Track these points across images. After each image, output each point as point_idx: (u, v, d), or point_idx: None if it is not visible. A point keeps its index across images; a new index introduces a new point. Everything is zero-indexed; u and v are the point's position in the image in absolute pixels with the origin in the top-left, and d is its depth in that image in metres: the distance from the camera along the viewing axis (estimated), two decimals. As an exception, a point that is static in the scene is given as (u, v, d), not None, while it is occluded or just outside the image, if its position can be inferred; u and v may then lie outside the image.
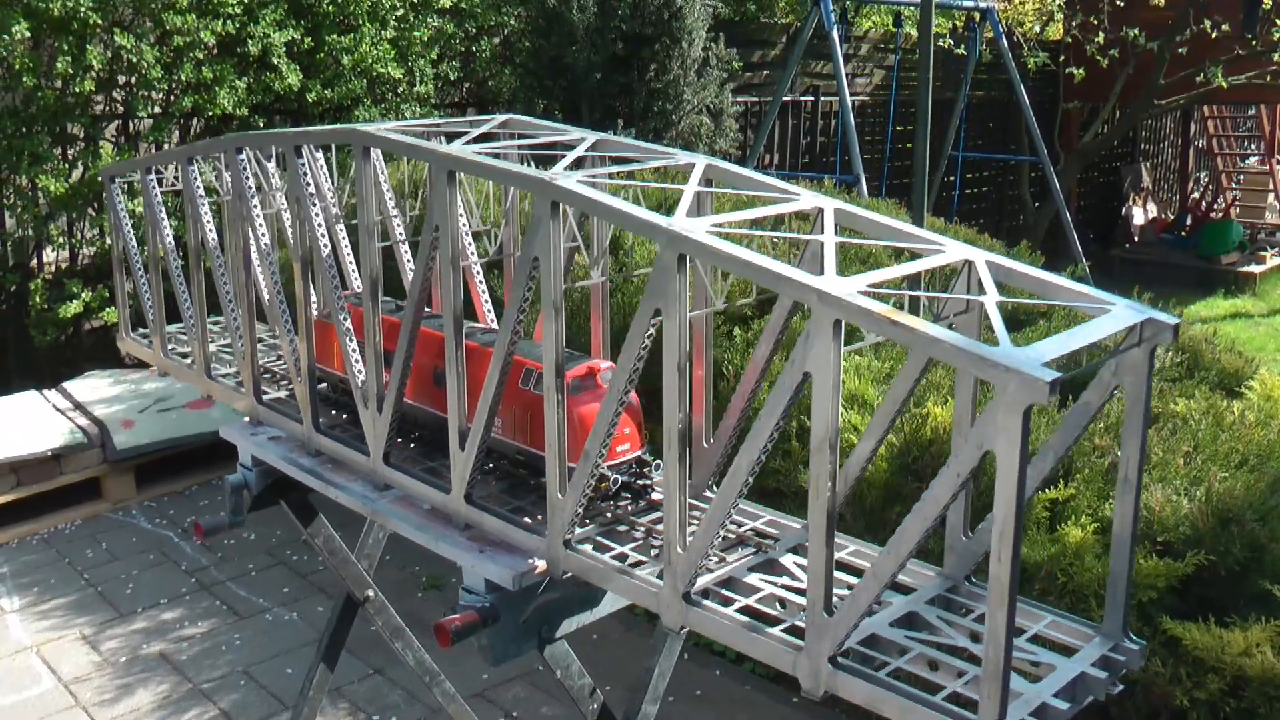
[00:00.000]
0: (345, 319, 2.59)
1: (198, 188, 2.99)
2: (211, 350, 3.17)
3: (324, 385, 2.86)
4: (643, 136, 6.80)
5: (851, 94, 10.06)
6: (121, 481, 5.81)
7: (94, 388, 6.15)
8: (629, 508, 2.25)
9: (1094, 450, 3.34)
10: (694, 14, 7.06)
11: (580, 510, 2.06)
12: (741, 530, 2.16)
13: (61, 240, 6.81)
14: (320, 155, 2.70)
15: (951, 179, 11.31)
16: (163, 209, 3.21)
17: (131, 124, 7.03)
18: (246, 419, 2.98)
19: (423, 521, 2.38)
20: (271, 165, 2.84)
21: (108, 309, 6.48)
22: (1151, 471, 3.27)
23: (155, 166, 3.24)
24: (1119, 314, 1.71)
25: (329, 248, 2.64)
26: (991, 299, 1.72)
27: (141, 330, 3.50)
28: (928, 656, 1.75)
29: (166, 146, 6.75)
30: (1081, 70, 11.01)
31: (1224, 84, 10.46)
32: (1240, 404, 3.64)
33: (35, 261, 6.99)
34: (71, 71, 6.11)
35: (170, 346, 3.37)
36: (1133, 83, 11.53)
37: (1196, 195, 14.91)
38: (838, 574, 1.91)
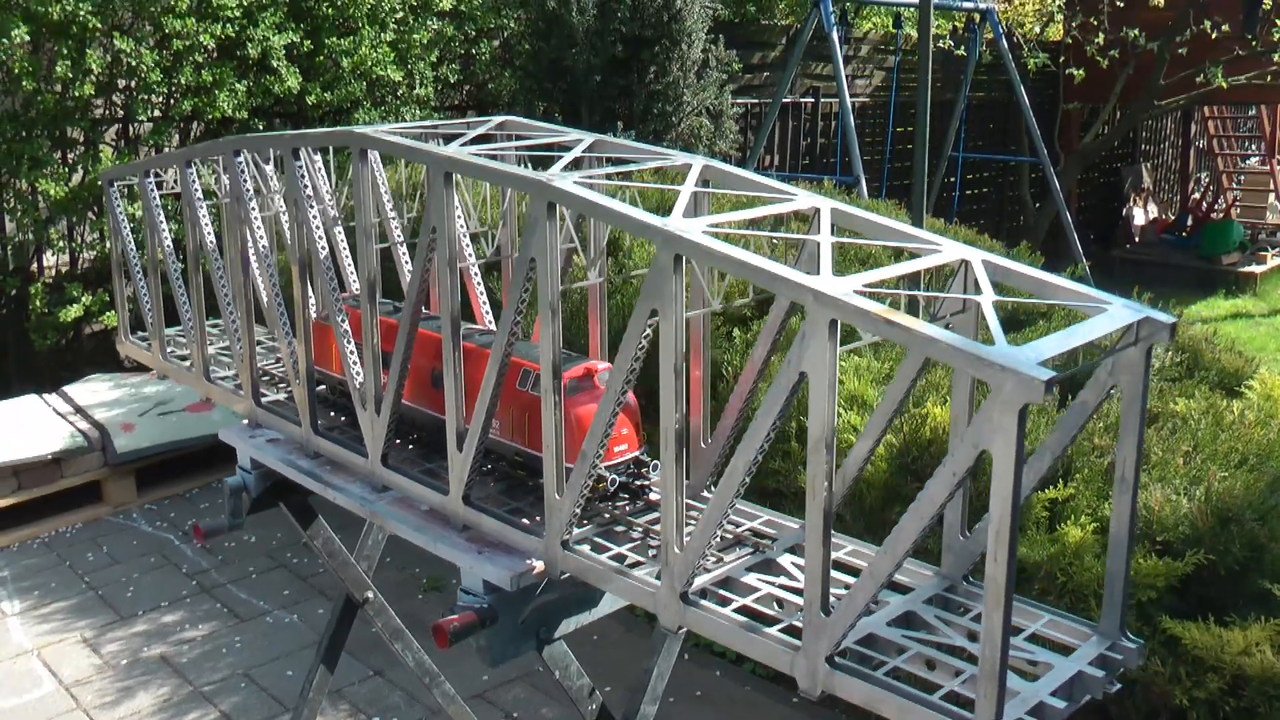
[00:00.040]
0: (343, 321, 2.59)
1: (196, 191, 3.00)
2: (210, 353, 3.17)
3: (323, 387, 2.86)
4: (643, 138, 6.80)
5: (851, 95, 10.07)
6: (122, 485, 5.82)
7: (94, 391, 6.15)
8: (627, 508, 2.25)
9: (1093, 450, 3.34)
10: (693, 16, 7.06)
11: (578, 511, 2.07)
12: (739, 530, 2.16)
13: (62, 244, 6.82)
14: (318, 158, 2.70)
15: (952, 180, 11.31)
16: (161, 212, 3.22)
17: (131, 128, 7.04)
18: (245, 421, 2.98)
19: (421, 523, 2.38)
20: (270, 168, 2.85)
21: (108, 313, 6.49)
22: (1151, 471, 3.27)
23: (154, 170, 3.24)
24: (1115, 313, 1.71)
25: (327, 250, 2.64)
26: (988, 298, 1.72)
27: (141, 333, 3.50)
28: (925, 656, 1.75)
29: (166, 150, 6.75)
30: (1081, 71, 11.01)
31: (1224, 84, 10.45)
32: (1240, 404, 3.64)
33: (35, 265, 7.00)
34: (71, 75, 6.11)
35: (169, 349, 3.37)
36: (1133, 83, 11.53)
37: (1197, 196, 14.91)
38: (836, 574, 1.91)
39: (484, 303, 2.85)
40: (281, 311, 2.77)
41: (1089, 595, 2.98)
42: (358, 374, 2.54)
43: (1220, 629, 2.88)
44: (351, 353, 2.58)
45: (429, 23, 7.52)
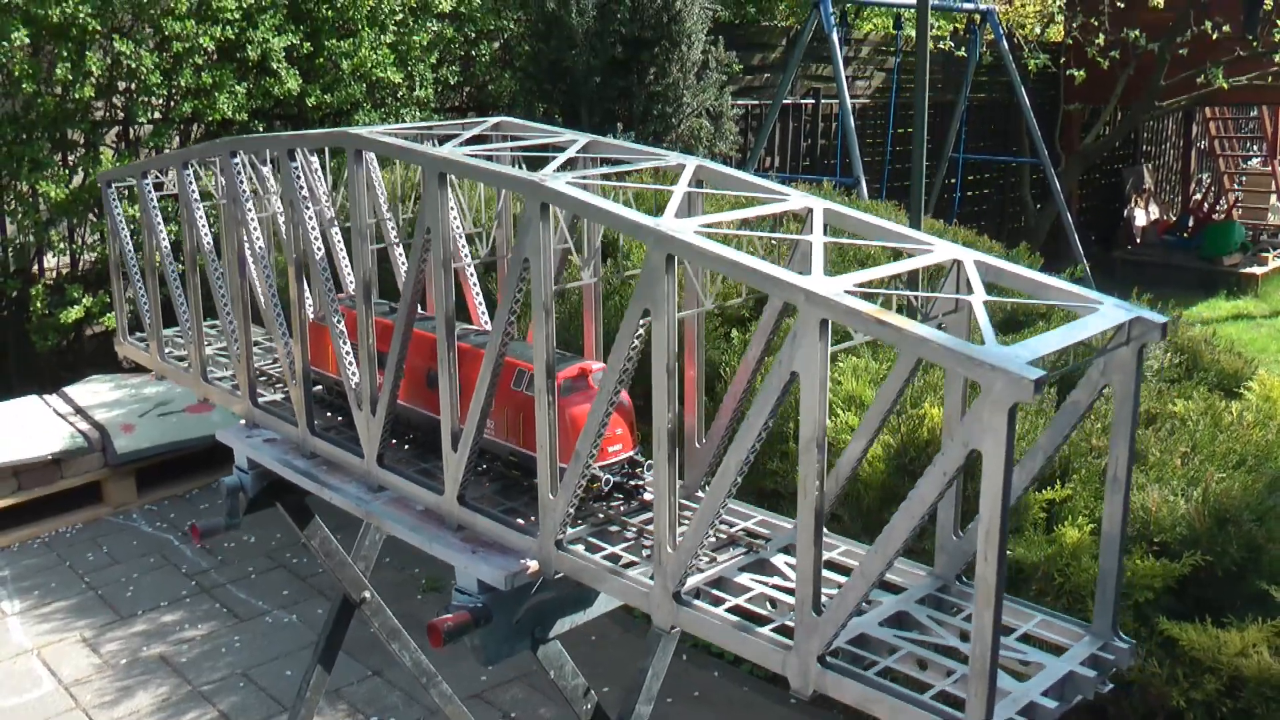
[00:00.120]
0: (339, 322, 2.60)
1: (193, 192, 3.00)
2: (208, 354, 3.18)
3: (319, 388, 2.87)
4: (642, 140, 6.81)
5: (851, 96, 10.07)
6: (122, 485, 5.83)
7: (94, 392, 6.17)
8: (621, 508, 2.26)
9: (1091, 451, 3.34)
10: (693, 17, 7.06)
11: (572, 511, 2.07)
12: (733, 530, 2.17)
13: (62, 246, 6.83)
14: (315, 159, 2.71)
15: (952, 181, 11.31)
16: (159, 214, 3.23)
17: (131, 130, 7.05)
18: (243, 422, 2.98)
19: (416, 523, 2.39)
20: (267, 169, 2.85)
21: (108, 314, 6.49)
22: (1149, 472, 3.27)
23: (152, 171, 3.25)
24: (1107, 313, 1.71)
25: (323, 251, 2.64)
26: (979, 298, 1.72)
27: (139, 334, 3.51)
28: (917, 655, 1.75)
29: (166, 151, 6.76)
30: (1082, 72, 11.00)
31: (1225, 85, 10.44)
32: (1239, 405, 3.63)
33: (36, 267, 7.02)
34: (71, 78, 6.13)
35: (168, 350, 3.38)
36: (1134, 84, 11.52)
37: (1198, 197, 14.89)
38: (829, 574, 1.92)
39: (480, 303, 2.86)
40: (278, 312, 2.77)
41: (1086, 596, 2.98)
42: (353, 374, 2.55)
43: (1217, 630, 2.88)
44: (347, 353, 2.58)
45: (429, 24, 7.53)
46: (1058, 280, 1.85)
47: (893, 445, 3.47)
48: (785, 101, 9.91)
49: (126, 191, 3.81)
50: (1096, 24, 10.89)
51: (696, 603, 1.90)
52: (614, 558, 2.08)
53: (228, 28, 6.49)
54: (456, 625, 2.11)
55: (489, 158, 2.23)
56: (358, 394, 2.51)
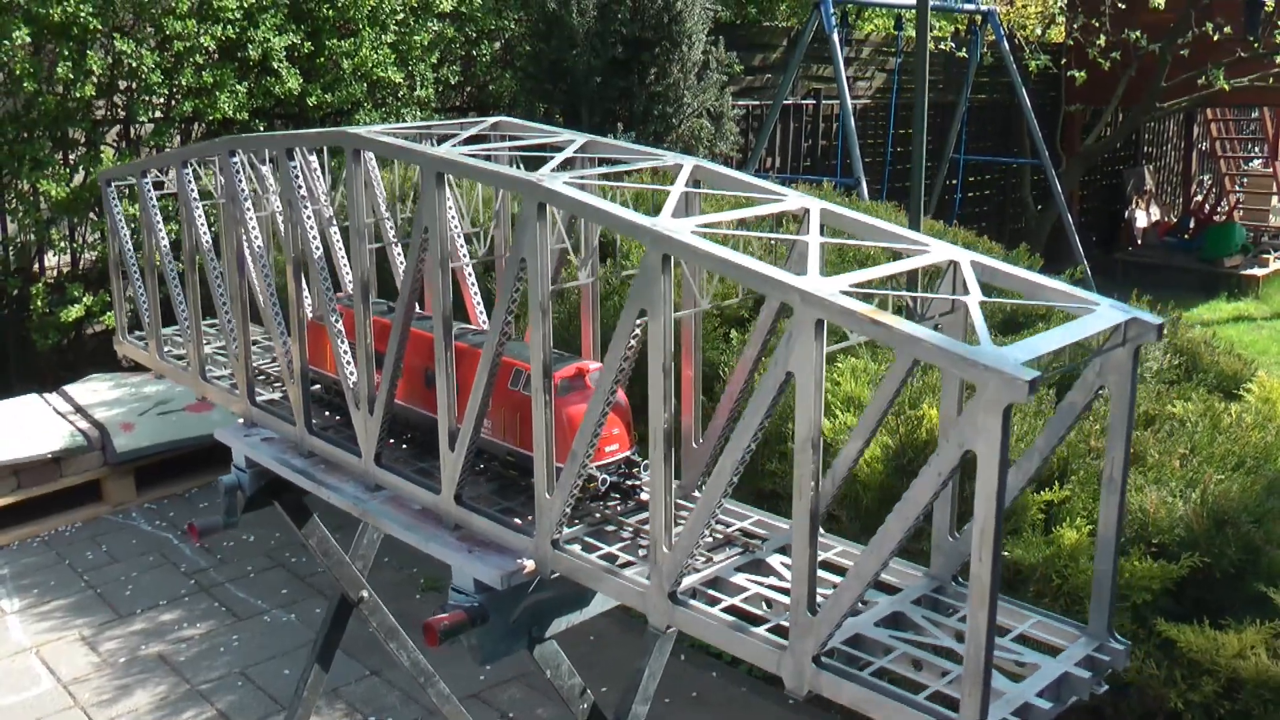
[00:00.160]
0: (337, 321, 2.60)
1: (192, 191, 3.01)
2: (207, 352, 3.18)
3: (318, 387, 2.87)
4: (643, 140, 6.81)
5: (852, 97, 10.07)
6: (122, 484, 5.83)
7: (94, 391, 6.17)
8: (618, 508, 2.26)
9: (1089, 452, 3.34)
10: (694, 17, 7.06)
11: (568, 510, 2.07)
12: (729, 530, 2.17)
13: (63, 245, 6.84)
14: (314, 158, 2.71)
15: (953, 182, 11.31)
16: (158, 213, 3.23)
17: (132, 129, 7.06)
18: (241, 421, 2.99)
19: (413, 522, 2.39)
20: (266, 168, 2.86)
21: (109, 313, 6.50)
22: (1147, 473, 3.27)
23: (151, 170, 3.26)
24: (1103, 314, 1.71)
25: (322, 250, 2.65)
26: (974, 299, 1.72)
27: (138, 333, 3.51)
28: (912, 656, 1.75)
29: (167, 150, 6.77)
30: (1083, 73, 11.00)
31: (1226, 87, 10.44)
32: (1238, 406, 3.63)
33: (37, 266, 7.02)
34: (72, 77, 6.13)
35: (167, 349, 3.38)
36: (1135, 85, 11.51)
37: (1200, 198, 14.88)
38: (825, 574, 1.92)
39: (478, 303, 2.86)
40: (276, 311, 2.77)
41: (1084, 597, 2.97)
42: (351, 374, 2.55)
43: (1215, 632, 2.88)
44: (345, 352, 2.58)
45: (429, 24, 7.54)
46: (1054, 281, 1.85)
47: (891, 446, 3.47)
48: (786, 102, 9.91)
49: (126, 190, 3.81)
50: (1097, 25, 10.89)
51: (692, 603, 1.90)
52: (610, 557, 2.08)
53: (229, 27, 6.50)
54: (452, 624, 2.11)
55: (487, 157, 2.24)
56: (355, 393, 2.51)
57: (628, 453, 2.28)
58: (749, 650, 1.79)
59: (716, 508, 1.83)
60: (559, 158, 2.21)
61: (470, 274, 2.84)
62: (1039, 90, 12.31)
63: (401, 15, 7.36)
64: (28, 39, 5.88)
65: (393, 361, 2.37)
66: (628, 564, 2.05)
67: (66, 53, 6.13)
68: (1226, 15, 10.39)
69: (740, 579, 1.99)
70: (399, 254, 2.90)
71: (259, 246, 2.79)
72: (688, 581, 1.94)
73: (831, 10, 8.88)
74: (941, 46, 11.11)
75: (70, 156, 6.72)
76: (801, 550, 1.68)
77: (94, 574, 5.15)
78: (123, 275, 3.46)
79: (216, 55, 6.70)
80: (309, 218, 2.60)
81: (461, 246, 2.75)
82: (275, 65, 6.72)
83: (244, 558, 5.28)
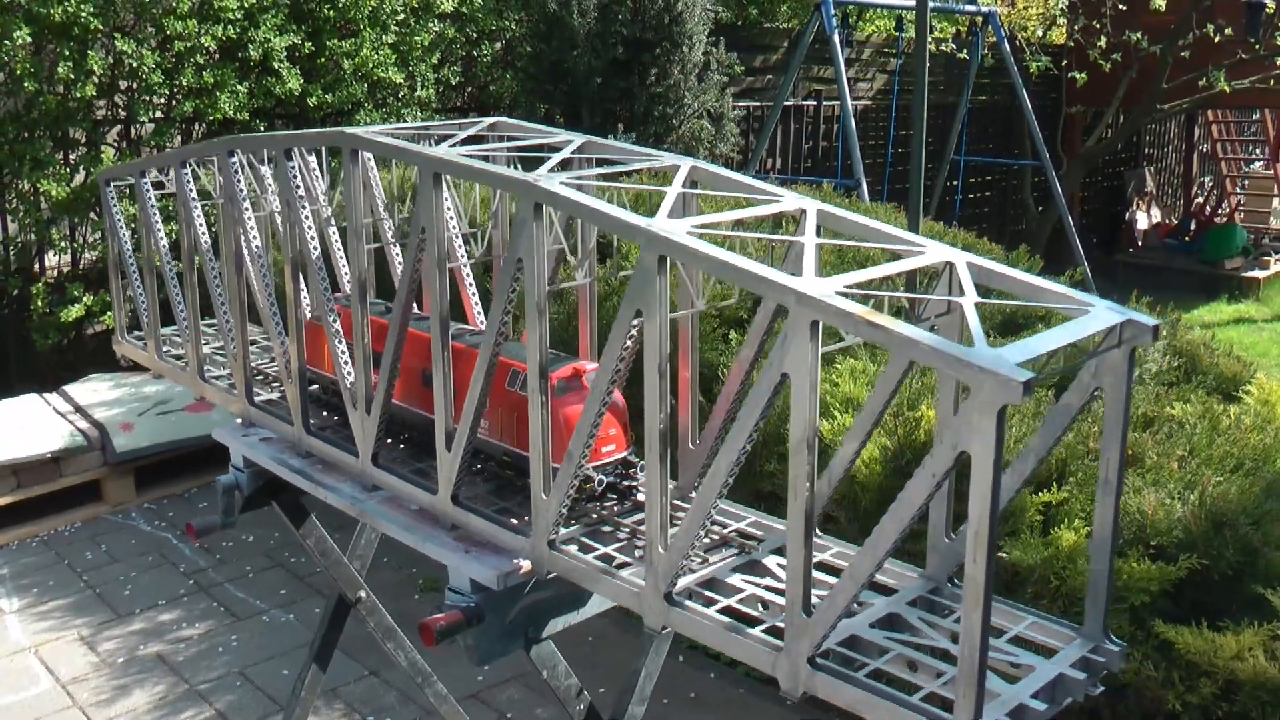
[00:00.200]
0: (335, 321, 2.60)
1: (191, 191, 3.01)
2: (206, 352, 3.19)
3: (316, 387, 2.87)
4: (643, 141, 6.81)
5: (853, 98, 10.07)
6: (121, 484, 5.83)
7: (94, 391, 6.17)
8: (614, 508, 2.26)
9: (1088, 453, 3.34)
10: (695, 19, 7.07)
11: (564, 511, 2.07)
12: (726, 531, 2.17)
13: (63, 244, 6.85)
14: (312, 158, 2.71)
15: (954, 183, 11.31)
16: (157, 212, 3.23)
17: (133, 129, 7.06)
18: (239, 421, 2.99)
19: (410, 522, 2.39)
20: (265, 169, 2.86)
21: (109, 313, 6.50)
22: (1145, 475, 3.27)
23: (150, 170, 3.26)
24: (1098, 315, 1.71)
25: (320, 250, 2.65)
26: (970, 300, 1.72)
27: (137, 333, 3.51)
28: (907, 657, 1.75)
29: (166, 150, 6.77)
30: (1084, 75, 11.00)
31: (1227, 88, 10.43)
32: (1237, 408, 3.63)
33: (37, 266, 7.03)
34: (73, 77, 6.14)
35: (165, 349, 3.38)
36: (1136, 87, 11.51)
37: (1200, 200, 14.88)
38: (821, 575, 1.92)
39: (476, 303, 2.86)
40: (275, 311, 2.77)
41: (1083, 599, 2.97)
42: (349, 374, 2.55)
43: (1213, 634, 2.88)
44: (343, 353, 2.58)
45: (430, 25, 7.54)
46: (1049, 282, 1.85)
47: (890, 448, 3.46)
48: (787, 103, 9.91)
49: (126, 190, 3.82)
50: (1098, 26, 10.88)
51: (688, 603, 1.90)
52: (607, 558, 2.08)
53: (229, 27, 6.51)
54: (449, 625, 2.11)
55: (484, 158, 2.24)
56: (353, 393, 2.51)
57: (624, 453, 2.28)
58: (744, 651, 1.79)
59: (712, 508, 1.83)
60: (556, 158, 2.21)
61: (468, 274, 2.84)
62: (1040, 92, 12.31)
63: (402, 16, 7.36)
64: (28, 39, 5.88)
65: (390, 362, 2.37)
66: (624, 565, 2.05)
67: (67, 53, 6.13)
68: (1227, 17, 10.39)
69: (736, 580, 1.99)
70: (397, 254, 2.90)
71: (257, 247, 2.79)
72: (683, 582, 1.94)
73: (832, 11, 8.88)
74: (943, 48, 11.11)
75: (71, 156, 6.72)
76: (797, 551, 1.68)
77: (93, 574, 5.16)
78: (121, 275, 3.46)
79: (217, 55, 6.70)
80: (307, 218, 2.60)
81: (459, 247, 2.75)
82: (276, 65, 6.72)
83: (243, 558, 5.28)
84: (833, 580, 1.94)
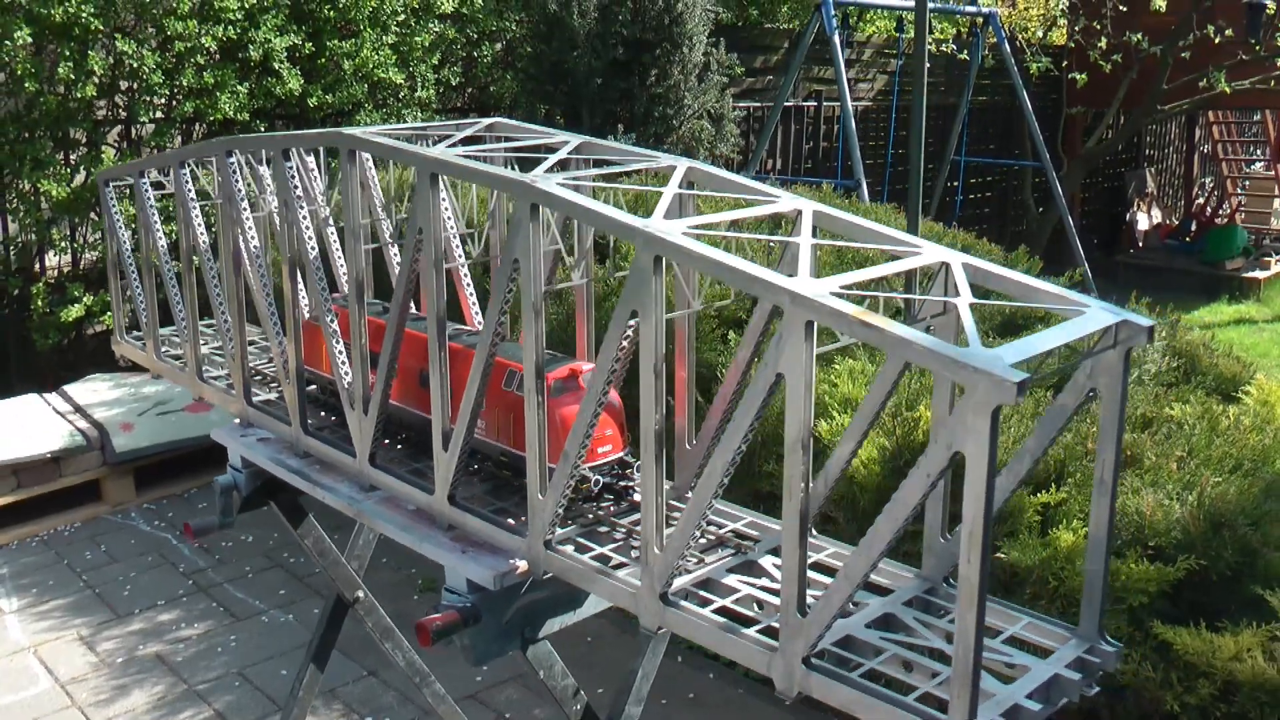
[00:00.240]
0: (333, 321, 2.60)
1: (189, 192, 3.01)
2: (204, 352, 3.19)
3: (314, 387, 2.87)
4: (643, 141, 6.81)
5: (854, 99, 10.07)
6: (121, 484, 5.84)
7: (94, 391, 6.18)
8: (611, 509, 2.26)
9: (1086, 454, 3.33)
10: (695, 19, 7.07)
11: (561, 511, 2.07)
12: (722, 532, 2.17)
13: (64, 245, 6.85)
14: (310, 159, 2.71)
15: (954, 184, 11.31)
16: (156, 213, 3.23)
17: (133, 129, 7.07)
18: (237, 421, 2.99)
19: (407, 522, 2.39)
20: (263, 169, 2.86)
21: (109, 313, 6.50)
22: (1144, 475, 3.27)
23: (149, 170, 3.26)
24: (1093, 316, 1.71)
25: (318, 251, 2.65)
26: (964, 301, 1.72)
27: (136, 333, 3.52)
28: (902, 658, 1.75)
29: (166, 151, 6.78)
30: (1084, 75, 11.00)
31: (1228, 89, 10.43)
32: (1236, 409, 3.63)
33: (38, 265, 7.03)
34: (73, 77, 6.15)
35: (164, 349, 3.39)
36: (1136, 88, 11.51)
37: (1201, 201, 14.87)
38: (816, 576, 1.92)
39: (473, 303, 2.86)
40: (273, 312, 2.78)
41: (1080, 600, 2.97)
42: (346, 374, 2.55)
43: (1212, 634, 2.88)
44: (340, 353, 2.58)
45: (430, 25, 7.55)
46: (1045, 283, 1.85)
47: (888, 448, 3.46)
48: (787, 104, 9.91)
49: (125, 190, 3.82)
50: (1099, 27, 10.88)
51: (683, 604, 1.90)
52: (603, 558, 2.08)
53: (230, 28, 6.51)
54: (445, 625, 2.12)
55: (482, 158, 2.24)
56: (350, 394, 2.51)
57: (621, 454, 2.28)
58: (739, 651, 1.79)
59: (708, 509, 1.83)
60: (553, 159, 2.21)
61: (466, 275, 2.84)
62: (1040, 92, 12.31)
63: (403, 16, 7.37)
64: (29, 39, 5.89)
65: (387, 362, 2.37)
66: (620, 565, 2.05)
67: (68, 53, 6.14)
68: (1228, 18, 10.39)
69: (732, 580, 1.99)
70: (395, 254, 2.90)
71: (256, 247, 2.80)
72: (679, 583, 1.94)
73: (833, 12, 8.88)
74: (943, 49, 11.11)
75: (71, 156, 6.73)
76: (792, 551, 1.68)
77: (92, 574, 5.16)
78: (121, 275, 3.46)
79: (218, 56, 6.71)
80: (305, 218, 2.61)
81: (457, 247, 2.75)
82: (276, 66, 6.73)
83: (242, 558, 5.28)
84: (828, 581, 1.94)
